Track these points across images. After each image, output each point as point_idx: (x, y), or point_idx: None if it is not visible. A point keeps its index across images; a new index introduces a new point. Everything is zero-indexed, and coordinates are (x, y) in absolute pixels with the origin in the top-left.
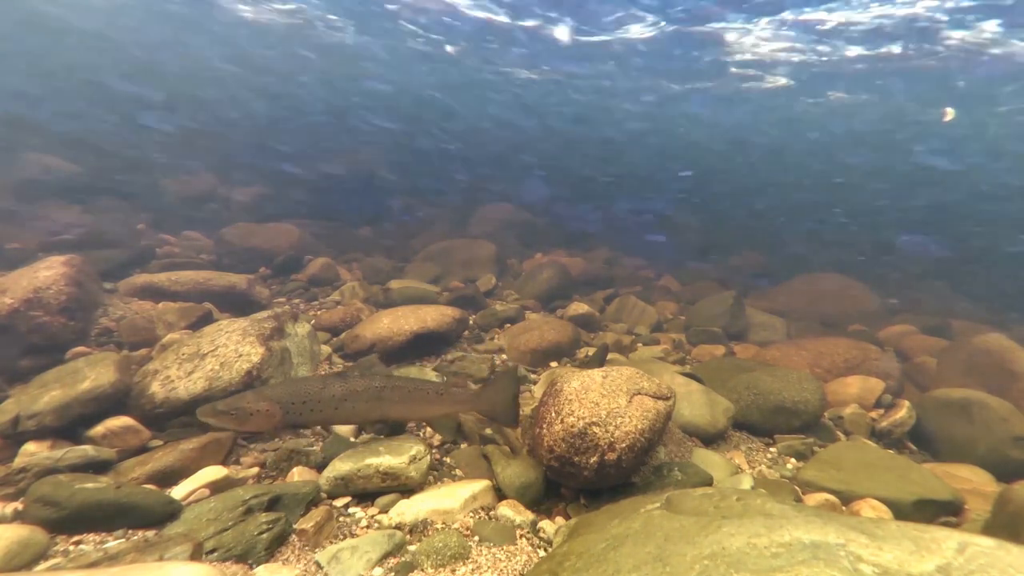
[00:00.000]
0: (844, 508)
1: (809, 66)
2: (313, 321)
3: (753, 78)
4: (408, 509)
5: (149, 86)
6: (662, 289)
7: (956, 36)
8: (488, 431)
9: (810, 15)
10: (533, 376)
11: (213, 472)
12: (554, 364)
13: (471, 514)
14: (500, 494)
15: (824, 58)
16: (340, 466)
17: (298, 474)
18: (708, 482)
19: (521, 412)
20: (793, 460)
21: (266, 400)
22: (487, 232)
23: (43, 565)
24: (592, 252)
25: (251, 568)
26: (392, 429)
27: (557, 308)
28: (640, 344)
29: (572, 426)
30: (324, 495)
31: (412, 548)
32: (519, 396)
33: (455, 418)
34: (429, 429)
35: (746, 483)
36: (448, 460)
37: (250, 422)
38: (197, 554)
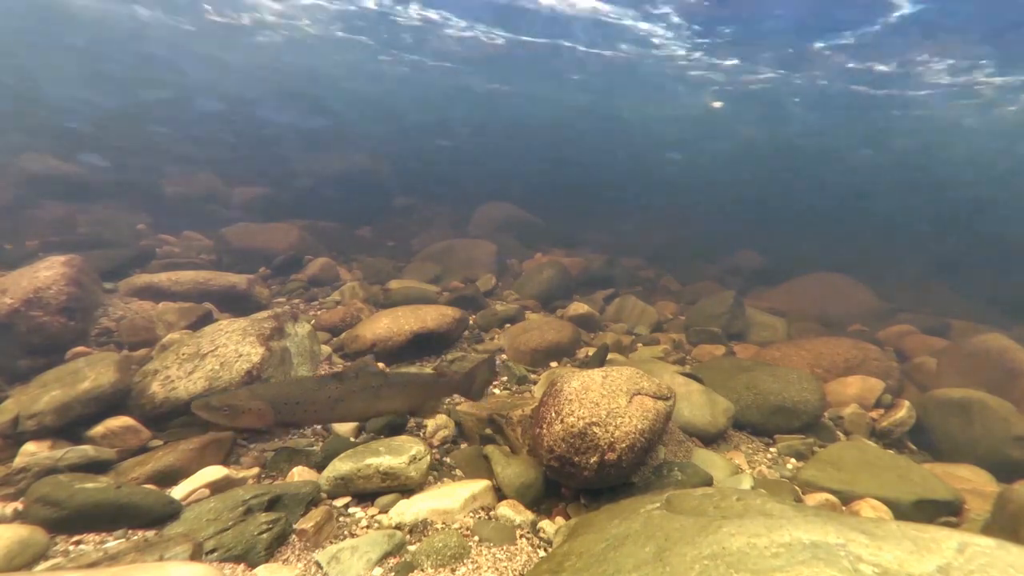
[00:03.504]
0: (844, 508)
1: None
2: (313, 321)
3: None
4: (408, 509)
5: None
6: (662, 289)
7: None
8: (488, 431)
9: None
10: (533, 376)
11: (213, 472)
12: (554, 364)
13: (471, 514)
14: (500, 494)
15: None
16: (340, 466)
17: (298, 474)
18: (708, 482)
19: (489, 390)
20: (793, 460)
21: (258, 399)
22: (487, 232)
23: (43, 565)
24: (593, 252)
25: (251, 568)
26: (392, 429)
27: (557, 308)
28: (640, 344)
29: (572, 426)
30: (324, 495)
31: (412, 548)
32: (491, 381)
33: (440, 402)
34: (429, 429)
35: (746, 483)
36: (448, 460)
37: (241, 419)
38: (197, 554)
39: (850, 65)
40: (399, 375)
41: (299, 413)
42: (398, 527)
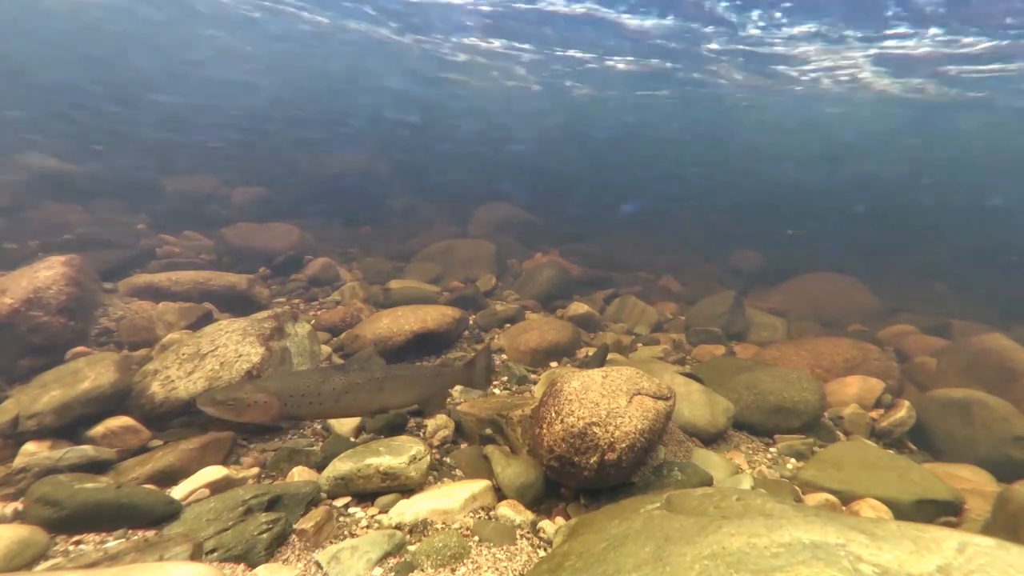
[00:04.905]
0: (844, 508)
1: None
2: (313, 321)
3: None
4: (408, 509)
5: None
6: (662, 289)
7: None
8: (488, 431)
9: None
10: (533, 376)
11: (213, 472)
12: (554, 364)
13: (471, 514)
14: (500, 494)
15: None
16: (340, 466)
17: (298, 474)
18: (708, 482)
19: (492, 381)
20: (793, 460)
21: (264, 392)
22: (487, 232)
23: (43, 565)
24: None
25: (251, 568)
26: (392, 429)
27: (557, 308)
28: (640, 344)
29: (572, 426)
30: (324, 495)
31: (412, 548)
32: (491, 368)
33: (446, 394)
34: (429, 428)
35: (746, 483)
36: (448, 460)
37: (247, 413)
38: (197, 554)
39: None
40: (403, 367)
41: (304, 406)
42: (398, 527)
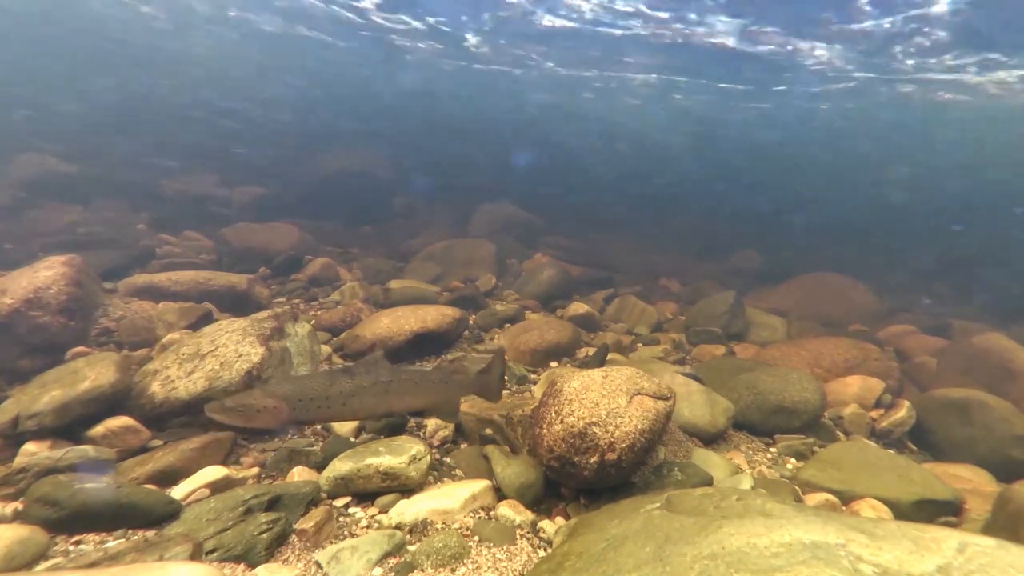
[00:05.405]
0: (844, 508)
1: None
2: (313, 321)
3: None
4: (408, 509)
5: None
6: (662, 289)
7: None
8: (488, 431)
9: None
10: (533, 376)
11: (213, 472)
12: (554, 364)
13: (471, 514)
14: (500, 494)
15: None
16: (340, 466)
17: (298, 474)
18: (708, 482)
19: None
20: (793, 460)
21: (273, 397)
22: (487, 232)
23: (43, 565)
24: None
25: (251, 568)
26: (392, 429)
27: (557, 308)
28: (640, 344)
29: (572, 426)
30: (324, 495)
31: (412, 548)
32: (504, 376)
33: (457, 402)
34: (429, 428)
35: (746, 483)
36: (448, 460)
37: (257, 419)
38: (197, 554)
39: None
40: (410, 372)
41: (312, 410)
42: (398, 527)
